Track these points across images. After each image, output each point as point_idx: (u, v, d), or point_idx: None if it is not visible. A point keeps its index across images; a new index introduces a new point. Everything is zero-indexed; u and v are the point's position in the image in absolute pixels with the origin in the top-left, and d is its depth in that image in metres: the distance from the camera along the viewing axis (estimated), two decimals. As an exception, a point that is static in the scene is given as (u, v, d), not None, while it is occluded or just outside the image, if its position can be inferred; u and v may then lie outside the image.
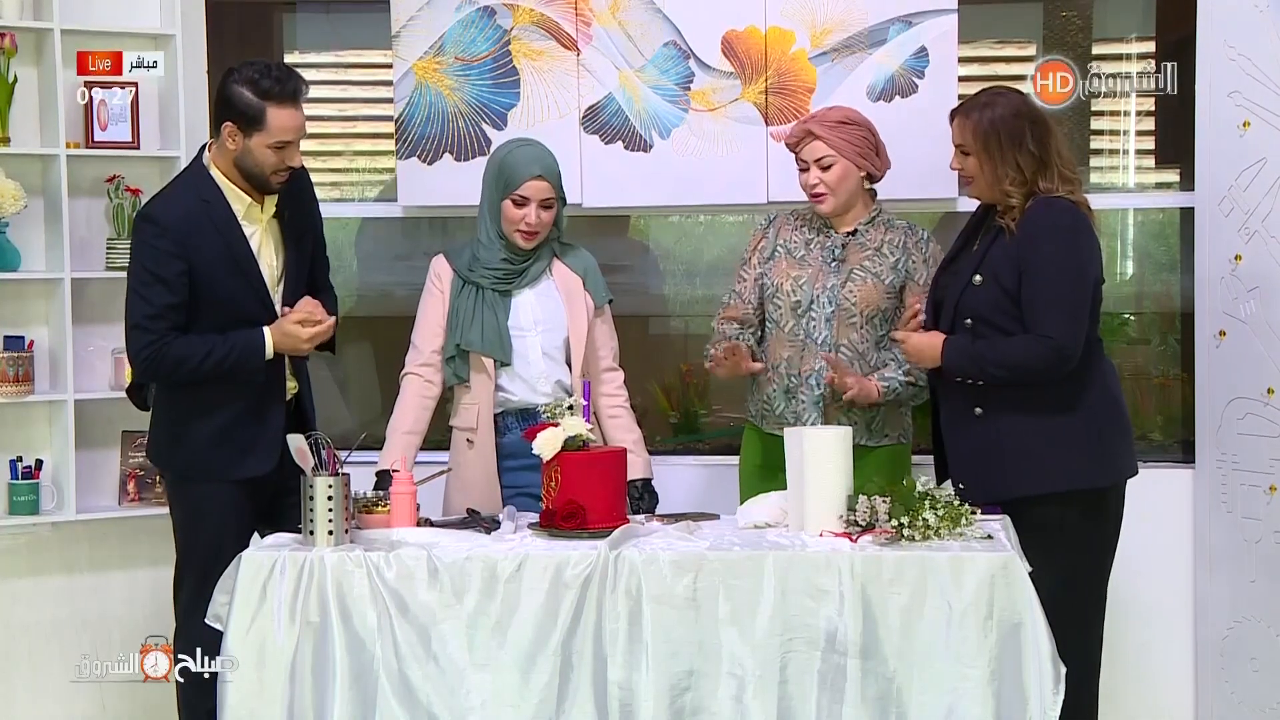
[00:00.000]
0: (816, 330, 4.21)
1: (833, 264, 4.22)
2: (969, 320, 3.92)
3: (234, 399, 4.05)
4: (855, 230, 4.24)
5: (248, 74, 3.94)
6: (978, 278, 3.92)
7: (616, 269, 5.38)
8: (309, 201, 4.22)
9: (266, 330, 4.01)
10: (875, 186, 4.28)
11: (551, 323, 4.21)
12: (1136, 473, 4.02)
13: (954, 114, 4.02)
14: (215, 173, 4.02)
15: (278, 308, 4.08)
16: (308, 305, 4.03)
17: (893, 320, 4.20)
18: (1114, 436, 3.93)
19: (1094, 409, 3.90)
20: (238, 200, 4.02)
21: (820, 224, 4.29)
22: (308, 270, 4.19)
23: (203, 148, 4.10)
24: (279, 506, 4.03)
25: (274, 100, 3.92)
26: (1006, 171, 3.89)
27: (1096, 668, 4.02)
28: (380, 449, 4.16)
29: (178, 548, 4.16)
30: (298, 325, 4.00)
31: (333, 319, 4.06)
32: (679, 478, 4.91)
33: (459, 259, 4.20)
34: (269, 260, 4.09)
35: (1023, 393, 3.88)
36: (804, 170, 4.22)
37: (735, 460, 4.53)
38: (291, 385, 4.17)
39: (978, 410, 3.92)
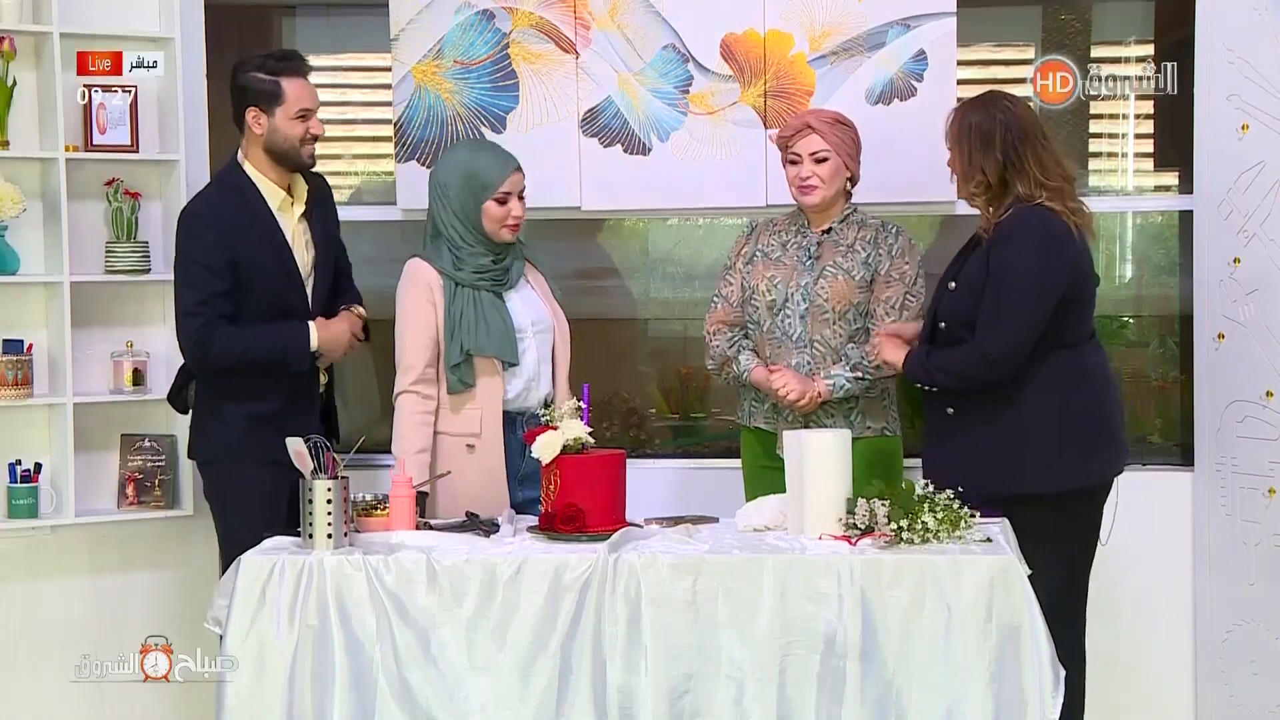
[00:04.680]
0: (791, 327, 4.26)
1: (808, 262, 4.28)
2: (943, 324, 4.00)
3: (272, 390, 4.19)
4: (830, 229, 4.30)
5: (254, 61, 4.24)
6: (953, 284, 4.01)
7: (616, 271, 5.38)
8: (331, 209, 4.45)
9: (311, 324, 4.19)
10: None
11: (542, 324, 4.22)
12: (1104, 481, 4.01)
13: (952, 110, 4.12)
14: (249, 168, 4.26)
15: (310, 301, 4.26)
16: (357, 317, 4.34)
17: (865, 314, 4.24)
18: (1080, 443, 3.93)
19: (1058, 414, 3.91)
20: (272, 194, 4.24)
21: (797, 226, 4.36)
22: (333, 272, 4.38)
23: (236, 151, 4.29)
24: None
25: (285, 74, 4.21)
26: (973, 173, 3.97)
27: (1080, 670, 4.02)
28: (379, 453, 4.14)
29: (220, 538, 4.26)
30: (345, 327, 4.25)
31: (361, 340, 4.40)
32: (678, 480, 4.90)
33: (441, 262, 4.16)
34: (300, 255, 4.28)
35: (990, 395, 3.91)
36: (795, 163, 4.27)
37: (735, 463, 4.53)
38: (323, 378, 4.35)
39: (949, 410, 3.98)
